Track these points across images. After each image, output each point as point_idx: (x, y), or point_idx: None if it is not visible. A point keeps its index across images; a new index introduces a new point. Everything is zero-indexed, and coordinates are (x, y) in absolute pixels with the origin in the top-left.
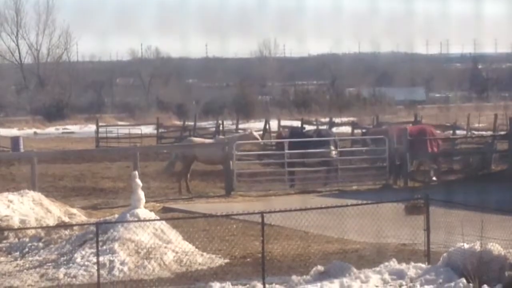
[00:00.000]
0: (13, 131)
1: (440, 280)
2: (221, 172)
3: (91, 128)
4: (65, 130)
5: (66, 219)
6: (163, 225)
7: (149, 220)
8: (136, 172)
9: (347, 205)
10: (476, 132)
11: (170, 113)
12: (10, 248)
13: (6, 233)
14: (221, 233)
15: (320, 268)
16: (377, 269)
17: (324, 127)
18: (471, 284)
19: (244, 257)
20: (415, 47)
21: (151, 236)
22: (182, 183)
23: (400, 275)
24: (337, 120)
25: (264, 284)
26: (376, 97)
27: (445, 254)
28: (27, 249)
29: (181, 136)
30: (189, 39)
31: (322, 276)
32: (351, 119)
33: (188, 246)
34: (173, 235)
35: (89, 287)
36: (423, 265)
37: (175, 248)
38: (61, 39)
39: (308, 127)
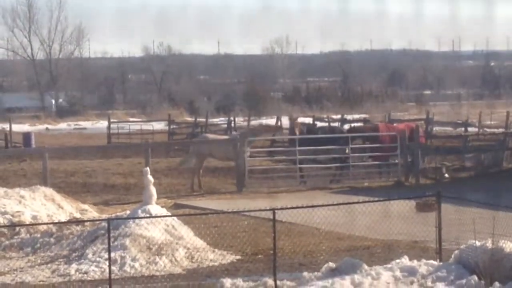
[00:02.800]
0: (25, 127)
1: (452, 277)
2: (233, 169)
3: (102, 124)
4: (77, 126)
5: (77, 215)
6: (175, 221)
7: (160, 216)
8: (148, 168)
9: (358, 202)
10: (488, 130)
11: (182, 110)
12: (22, 243)
13: (17, 228)
14: (233, 229)
15: (331, 265)
16: (389, 266)
17: (336, 124)
18: (482, 282)
19: (255, 253)
20: (427, 44)
21: (163, 232)
22: (194, 179)
23: (411, 272)
24: (348, 117)
25: (275, 280)
26: (387, 94)
27: (456, 252)
28: (38, 245)
29: (193, 132)
30: (201, 36)
31: (333, 273)
32: (363, 116)
33: (199, 243)
34: (184, 231)
35: (101, 283)
36: (434, 262)
37: (187, 245)
38: (73, 35)
39: (319, 124)
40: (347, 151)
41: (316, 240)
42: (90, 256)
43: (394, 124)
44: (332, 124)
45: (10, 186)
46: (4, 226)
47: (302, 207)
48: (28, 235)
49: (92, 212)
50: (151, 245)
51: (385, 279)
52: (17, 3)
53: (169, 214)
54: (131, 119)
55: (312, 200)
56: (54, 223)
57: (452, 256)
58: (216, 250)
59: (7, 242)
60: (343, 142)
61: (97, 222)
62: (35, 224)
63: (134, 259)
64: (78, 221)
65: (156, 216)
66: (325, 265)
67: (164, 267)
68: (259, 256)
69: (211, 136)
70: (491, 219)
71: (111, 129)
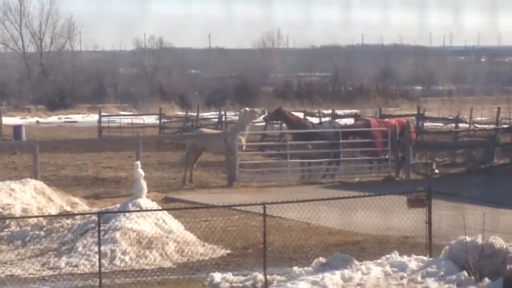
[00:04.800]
0: (16, 120)
1: (442, 273)
2: (224, 163)
3: (93, 117)
4: (68, 119)
5: (68, 208)
6: (165, 215)
7: (151, 210)
8: (139, 162)
9: (349, 197)
10: (478, 125)
11: (173, 103)
12: (12, 236)
13: (7, 221)
14: (223, 223)
15: (321, 259)
16: (379, 261)
17: (327, 119)
18: (472, 277)
19: (245, 248)
20: (418, 39)
21: (153, 226)
22: (186, 173)
23: (401, 267)
24: (339, 112)
25: (265, 275)
26: (379, 90)
27: (446, 247)
28: (28, 238)
29: (184, 126)
30: (193, 30)
31: (323, 268)
32: (354, 111)
33: (189, 236)
34: (174, 225)
35: (91, 276)
36: (424, 258)
37: (177, 238)
38: (64, 28)
39: (310, 119)
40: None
41: (307, 234)
42: (80, 249)
43: (386, 120)
44: (324, 119)
45: (1, 179)
46: None
47: (293, 201)
48: (18, 228)
49: (82, 206)
50: (141, 239)
51: (375, 274)
52: None
53: (160, 208)
54: (122, 113)
55: (302, 194)
56: (44, 216)
57: (442, 251)
58: (206, 244)
59: None
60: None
61: (88, 215)
62: (25, 217)
63: (124, 253)
64: (68, 214)
65: (146, 210)
66: (316, 260)
67: (154, 260)
68: (249, 250)
69: (206, 130)
70: (481, 215)
71: (102, 122)
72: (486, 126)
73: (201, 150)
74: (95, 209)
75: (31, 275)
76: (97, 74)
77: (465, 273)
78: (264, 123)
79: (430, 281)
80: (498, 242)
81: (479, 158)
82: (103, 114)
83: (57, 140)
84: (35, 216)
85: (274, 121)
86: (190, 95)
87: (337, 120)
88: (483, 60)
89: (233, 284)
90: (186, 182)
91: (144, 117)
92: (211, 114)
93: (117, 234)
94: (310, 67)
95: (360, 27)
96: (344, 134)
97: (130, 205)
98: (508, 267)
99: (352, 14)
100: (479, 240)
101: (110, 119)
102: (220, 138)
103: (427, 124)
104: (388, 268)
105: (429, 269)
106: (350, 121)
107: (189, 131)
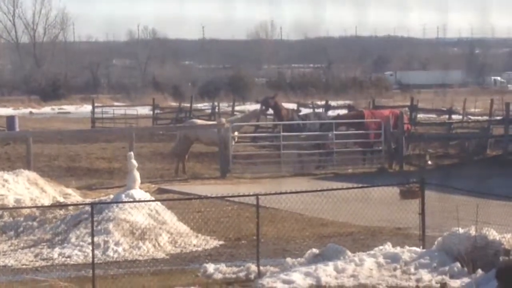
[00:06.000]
0: (9, 111)
1: (435, 264)
2: (217, 154)
3: (87, 108)
4: (61, 110)
5: (61, 199)
6: (158, 206)
7: (144, 201)
8: (132, 153)
9: (342, 188)
10: (472, 117)
11: (166, 94)
12: (5, 227)
13: (0, 212)
14: (216, 214)
15: (314, 250)
16: (372, 252)
17: (320, 110)
18: (465, 269)
19: (238, 239)
20: (412, 31)
21: (146, 217)
22: (179, 164)
23: (394, 258)
24: (333, 103)
25: (258, 266)
26: (372, 81)
27: (439, 239)
28: (21, 229)
29: (177, 117)
30: (186, 21)
31: (316, 259)
32: (347, 102)
33: (183, 227)
34: (168, 216)
35: (84, 267)
36: (417, 249)
37: (170, 229)
38: (57, 19)
39: (304, 110)
40: (330, 135)
41: (300, 226)
42: (73, 240)
43: (379, 111)
44: (317, 110)
45: None
46: None
47: (286, 193)
48: (11, 218)
49: (75, 196)
50: (135, 230)
51: (368, 266)
52: None
53: (153, 198)
54: (115, 104)
55: (295, 186)
56: (37, 207)
57: (435, 243)
58: (200, 235)
59: None
60: (326, 129)
61: (81, 206)
62: (18, 208)
63: (117, 244)
64: (61, 205)
65: (139, 201)
66: (309, 251)
67: (147, 251)
68: (243, 241)
69: (198, 121)
70: (474, 207)
71: (95, 113)
72: (479, 117)
73: (194, 140)
74: (88, 200)
75: (24, 266)
76: (90, 65)
77: (458, 264)
78: None
79: (423, 272)
80: (491, 233)
81: (472, 150)
82: (96, 105)
83: (50, 131)
84: (28, 207)
85: (265, 108)
86: (183, 86)
87: (330, 111)
88: (476, 51)
89: (226, 275)
90: (179, 173)
91: (137, 108)
92: (204, 105)
93: (110, 225)
94: (303, 58)
95: (353, 18)
96: (336, 125)
97: (123, 196)
98: (501, 258)
99: (345, 6)
100: (472, 231)
101: (103, 110)
102: (213, 129)
103: (421, 115)
104: (381, 260)
105: (422, 260)
106: (344, 112)
107: (182, 122)
